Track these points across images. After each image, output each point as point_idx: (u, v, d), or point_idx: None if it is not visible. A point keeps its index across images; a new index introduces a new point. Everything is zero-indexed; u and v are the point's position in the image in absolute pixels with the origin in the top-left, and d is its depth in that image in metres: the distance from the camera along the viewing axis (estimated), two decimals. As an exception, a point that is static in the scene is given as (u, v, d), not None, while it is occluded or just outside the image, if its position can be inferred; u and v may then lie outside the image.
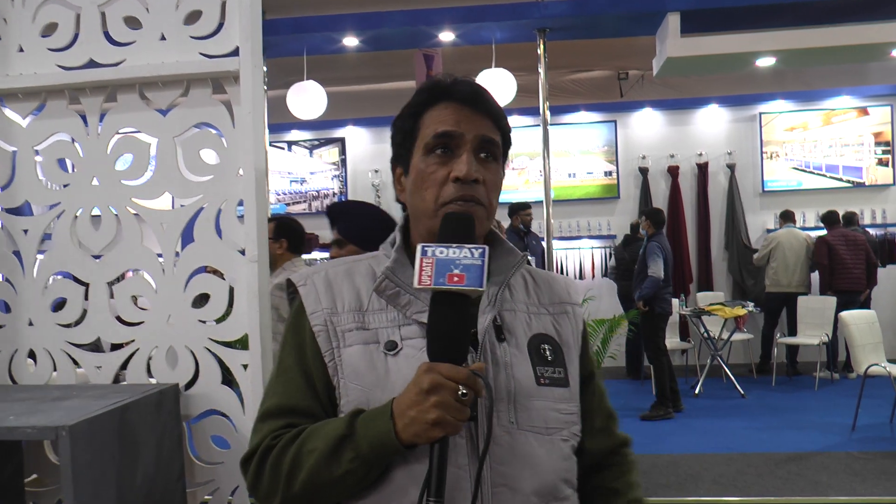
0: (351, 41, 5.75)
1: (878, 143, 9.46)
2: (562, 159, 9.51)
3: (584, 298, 7.03)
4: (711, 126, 9.68)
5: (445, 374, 1.13)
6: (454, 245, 1.17)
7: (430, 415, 1.12)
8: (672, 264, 7.14)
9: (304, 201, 10.08)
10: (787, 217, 8.74)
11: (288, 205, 10.06)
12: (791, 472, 5.44)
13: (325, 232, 9.69)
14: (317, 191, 10.05)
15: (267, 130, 5.94)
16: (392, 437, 1.16)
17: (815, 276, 8.74)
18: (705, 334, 8.14)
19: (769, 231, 9.30)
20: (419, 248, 1.18)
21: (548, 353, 1.35)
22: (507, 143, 1.38)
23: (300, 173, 10.08)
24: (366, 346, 1.28)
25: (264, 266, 2.06)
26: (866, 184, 9.47)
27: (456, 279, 1.15)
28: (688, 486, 5.14)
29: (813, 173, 9.52)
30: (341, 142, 9.98)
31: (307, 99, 6.05)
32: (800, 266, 8.53)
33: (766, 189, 9.53)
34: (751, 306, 8.15)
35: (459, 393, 1.13)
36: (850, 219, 8.70)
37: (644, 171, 9.56)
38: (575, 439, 1.36)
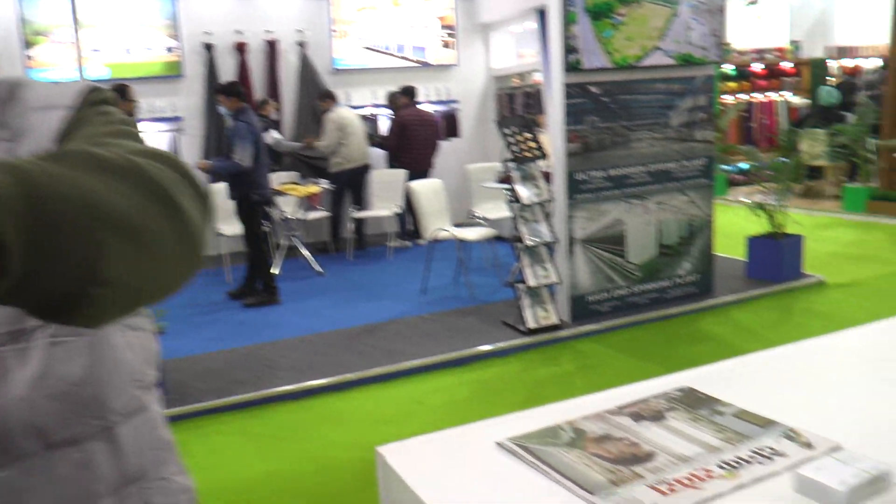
0: None
1: (443, 27, 9.76)
2: (112, 33, 8.35)
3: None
4: (280, 3, 9.14)
5: None
6: None
7: None
8: (263, 145, 6.51)
9: None
10: (333, 97, 8.61)
11: None
12: (366, 344, 5.37)
13: None
14: None
15: None
16: None
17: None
18: (280, 215, 7.83)
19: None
20: None
21: None
22: None
23: None
24: None
25: None
26: (432, 63, 9.76)
27: None
28: (264, 379, 4.79)
29: (382, 53, 9.56)
30: None
31: None
32: (365, 141, 8.58)
33: (336, 68, 9.34)
34: (324, 183, 7.99)
35: None
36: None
37: (209, 48, 8.77)
38: None
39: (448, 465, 1.20)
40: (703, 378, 1.45)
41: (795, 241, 6.52)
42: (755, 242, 6.61)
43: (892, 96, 9.78)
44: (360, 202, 8.64)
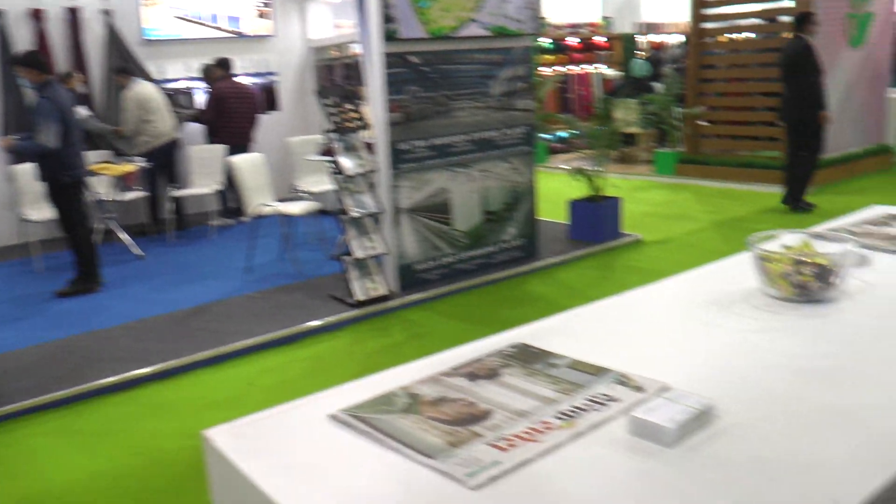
0: None
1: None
2: None
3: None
4: (78, -33, 8.49)
5: None
6: None
7: None
8: (74, 121, 5.94)
9: None
10: (128, 72, 8.14)
11: None
12: (192, 327, 5.14)
13: None
14: None
15: None
16: None
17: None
18: (95, 196, 7.32)
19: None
20: None
21: None
22: None
23: None
24: None
25: None
26: (247, 34, 9.43)
27: None
28: (85, 372, 4.45)
29: (195, 23, 9.12)
30: None
31: None
32: (170, 114, 8.17)
33: (147, 38, 8.81)
34: (140, 161, 7.54)
35: None
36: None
37: (0, 15, 8.02)
38: None
39: (279, 442, 1.12)
40: (535, 334, 1.45)
41: (613, 203, 6.83)
42: (576, 206, 6.87)
43: (693, 69, 10.43)
44: (176, 180, 8.22)
